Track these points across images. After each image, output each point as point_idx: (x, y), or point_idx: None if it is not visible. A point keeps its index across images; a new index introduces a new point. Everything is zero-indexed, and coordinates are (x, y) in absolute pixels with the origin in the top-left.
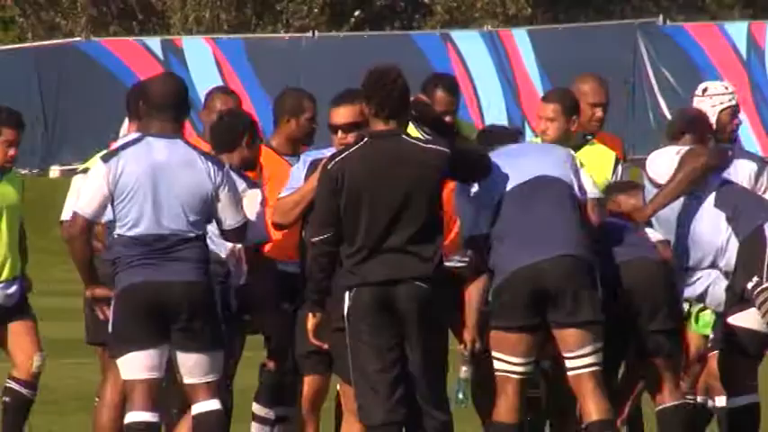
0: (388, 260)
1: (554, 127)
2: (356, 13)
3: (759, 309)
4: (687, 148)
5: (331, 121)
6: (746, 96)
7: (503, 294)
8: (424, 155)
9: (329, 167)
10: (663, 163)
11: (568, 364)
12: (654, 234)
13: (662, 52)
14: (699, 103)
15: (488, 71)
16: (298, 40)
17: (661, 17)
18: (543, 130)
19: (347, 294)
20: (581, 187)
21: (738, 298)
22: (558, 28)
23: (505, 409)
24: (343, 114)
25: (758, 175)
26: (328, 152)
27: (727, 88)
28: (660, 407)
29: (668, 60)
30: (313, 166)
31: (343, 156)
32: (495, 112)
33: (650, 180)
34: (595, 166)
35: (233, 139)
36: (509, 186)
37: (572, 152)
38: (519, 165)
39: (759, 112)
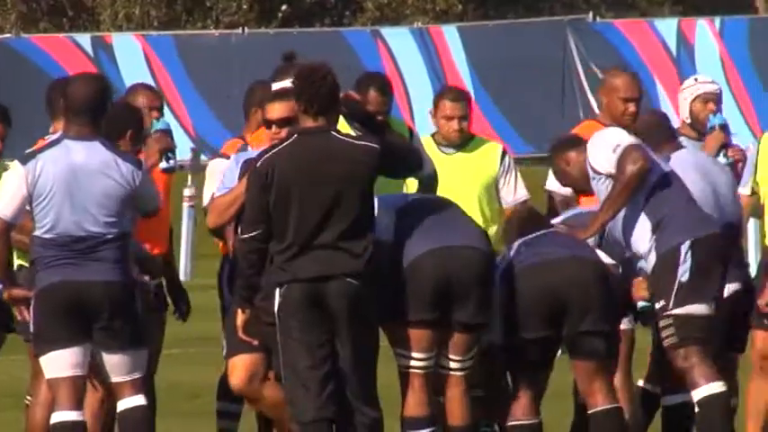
0: (318, 256)
1: (466, 124)
2: (283, 8)
3: (661, 333)
4: (625, 144)
5: (265, 115)
6: (676, 93)
7: (408, 285)
8: (353, 151)
9: (258, 164)
10: (602, 155)
11: (450, 364)
12: (604, 257)
13: (592, 49)
14: (680, 101)
15: (418, 68)
16: (227, 37)
17: (591, 14)
18: (459, 128)
19: (278, 291)
20: None
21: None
22: (488, 25)
23: (414, 403)
24: (277, 109)
25: None
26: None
27: (696, 80)
28: (593, 410)
29: (598, 57)
30: (247, 165)
31: (271, 153)
32: (424, 110)
33: (590, 165)
34: (482, 160)
35: (116, 130)
36: (412, 197)
37: None
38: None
39: None
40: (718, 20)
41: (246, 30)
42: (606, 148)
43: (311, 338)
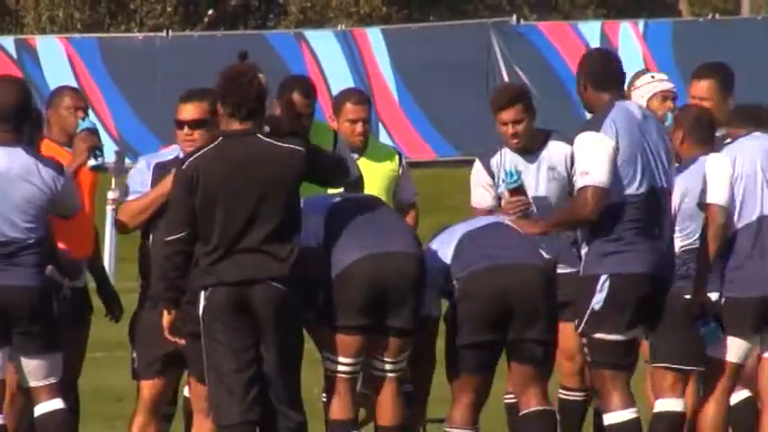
0: (243, 260)
1: (368, 127)
2: (209, 12)
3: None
4: (591, 179)
5: (178, 116)
6: None
7: (340, 291)
8: (279, 154)
9: (184, 166)
10: (576, 166)
11: (383, 366)
12: (544, 253)
13: (515, 52)
14: (634, 97)
15: (342, 71)
16: (152, 40)
17: (515, 16)
18: (363, 131)
19: (202, 294)
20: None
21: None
22: (411, 27)
23: (339, 407)
24: (190, 111)
25: (572, 158)
26: (170, 154)
27: (653, 77)
28: (526, 411)
29: (522, 60)
30: (160, 169)
31: (198, 154)
32: None
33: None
34: (386, 164)
35: None
36: (340, 197)
37: None
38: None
39: None
40: (641, 22)
41: (171, 33)
42: (580, 163)
43: (236, 342)
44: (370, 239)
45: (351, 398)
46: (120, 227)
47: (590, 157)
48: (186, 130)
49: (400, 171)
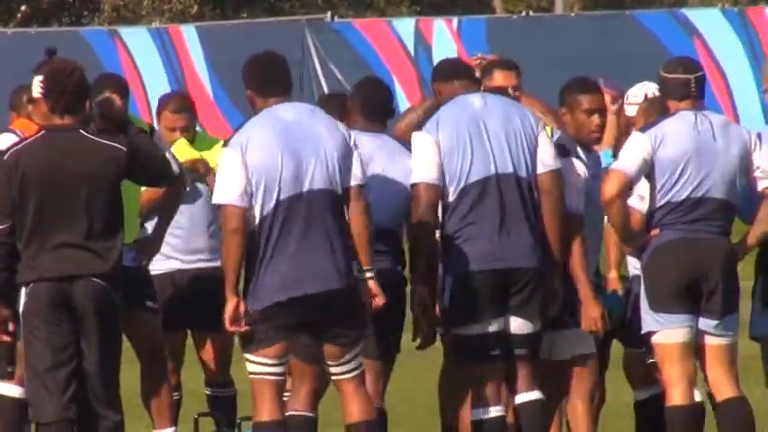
0: (64, 255)
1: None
2: (22, 8)
3: None
4: (414, 176)
5: None
6: (415, 92)
7: (263, 317)
8: (99, 150)
9: (6, 156)
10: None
11: (330, 369)
12: None
13: (330, 49)
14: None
15: (157, 68)
16: None
17: (329, 14)
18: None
19: (23, 290)
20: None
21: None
22: (226, 24)
23: (268, 410)
24: None
25: None
26: None
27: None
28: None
29: (336, 57)
30: None
31: (18, 147)
32: None
33: None
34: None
35: None
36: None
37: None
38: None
39: None
40: (455, 19)
41: None
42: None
43: (56, 339)
44: (293, 273)
45: (278, 401)
46: None
47: (414, 156)
48: None
49: None
